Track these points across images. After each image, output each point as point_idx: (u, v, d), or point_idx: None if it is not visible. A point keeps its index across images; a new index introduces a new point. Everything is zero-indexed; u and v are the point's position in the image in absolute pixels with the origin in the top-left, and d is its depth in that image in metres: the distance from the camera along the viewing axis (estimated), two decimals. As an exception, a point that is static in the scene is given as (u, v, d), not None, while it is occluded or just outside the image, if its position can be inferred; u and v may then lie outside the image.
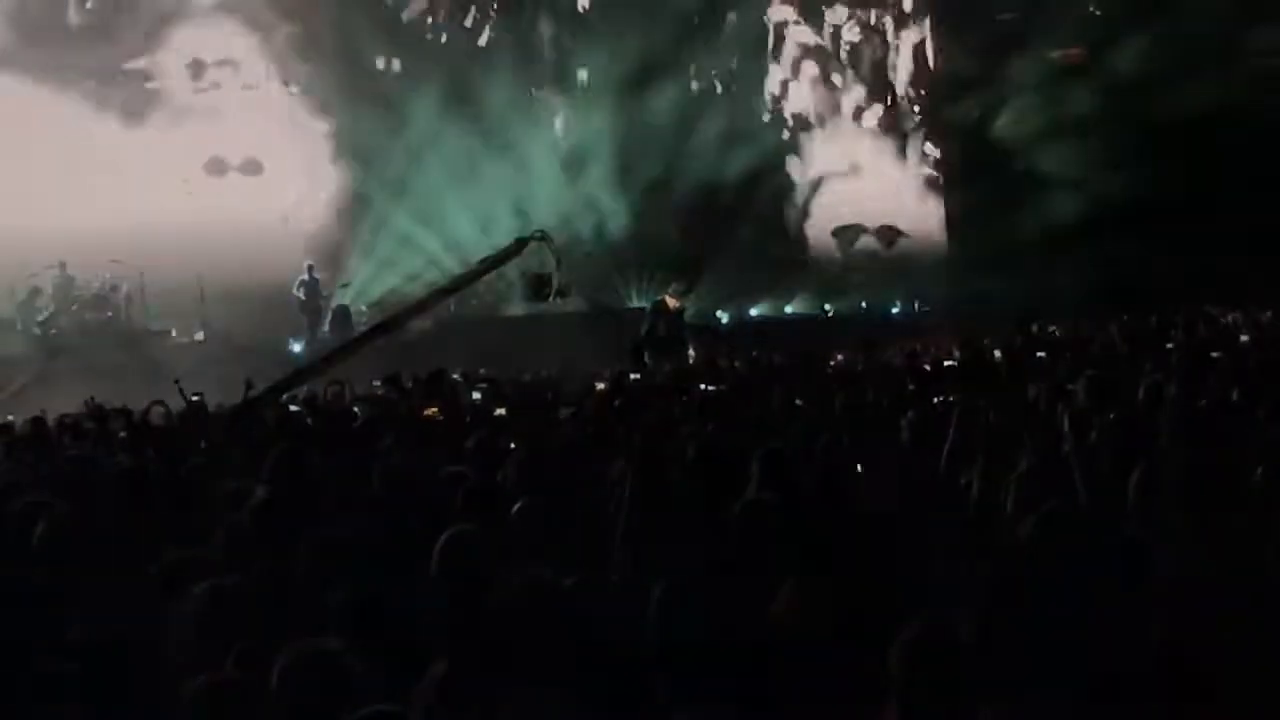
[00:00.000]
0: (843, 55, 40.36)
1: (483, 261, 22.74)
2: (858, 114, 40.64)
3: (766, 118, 40.04)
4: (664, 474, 9.15)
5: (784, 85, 40.50)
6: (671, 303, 25.42)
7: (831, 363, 21.15)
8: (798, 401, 14.94)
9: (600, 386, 19.82)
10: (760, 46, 39.44)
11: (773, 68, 39.96)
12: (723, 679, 5.52)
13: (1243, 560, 6.51)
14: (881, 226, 40.36)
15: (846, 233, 40.47)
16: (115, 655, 6.40)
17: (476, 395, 19.14)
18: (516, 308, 34.85)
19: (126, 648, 6.48)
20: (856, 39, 40.32)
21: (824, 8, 40.40)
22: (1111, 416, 10.56)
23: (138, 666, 6.36)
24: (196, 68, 37.60)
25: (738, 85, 39.34)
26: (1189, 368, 14.95)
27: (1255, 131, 34.46)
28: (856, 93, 40.21)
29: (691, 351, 24.68)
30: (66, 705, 6.02)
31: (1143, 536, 6.87)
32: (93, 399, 18.42)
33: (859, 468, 9.58)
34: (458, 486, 9.23)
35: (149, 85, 36.62)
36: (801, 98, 40.72)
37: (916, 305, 37.52)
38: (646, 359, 24.72)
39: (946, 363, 20.47)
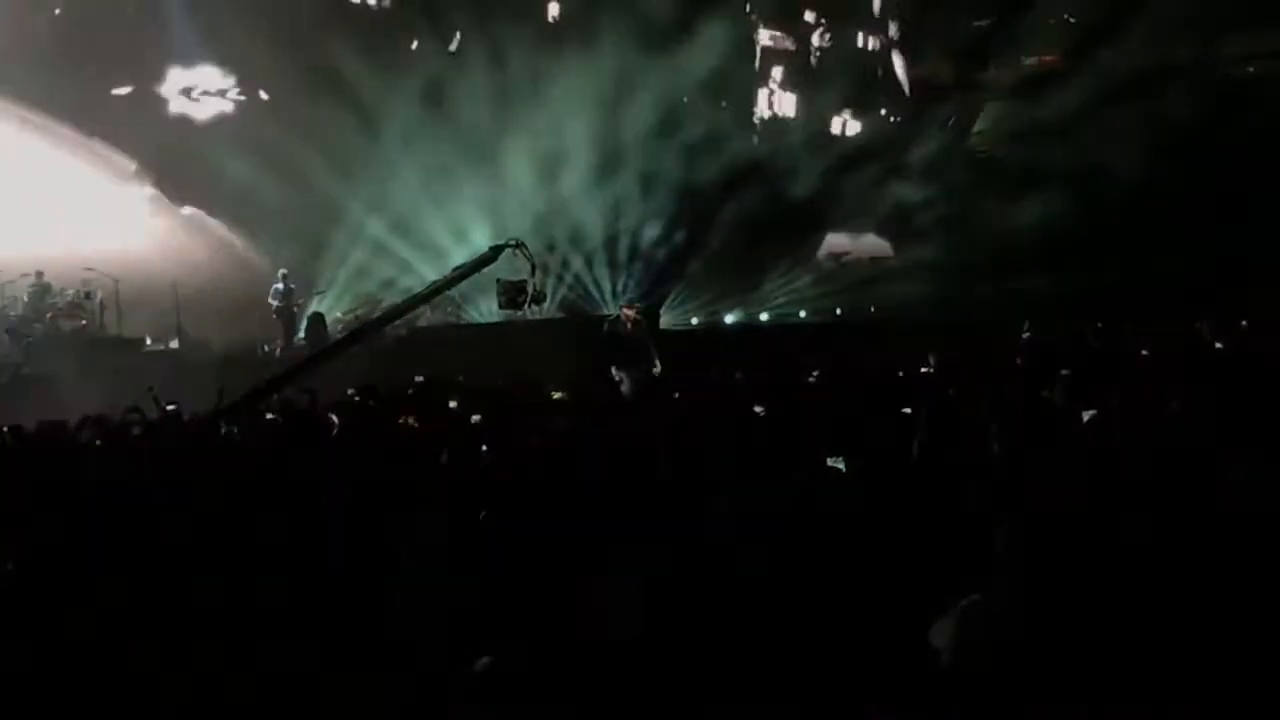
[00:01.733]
0: (813, 61, 40.34)
1: (457, 269, 22.73)
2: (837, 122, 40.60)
3: (743, 125, 39.97)
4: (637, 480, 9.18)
5: (760, 93, 40.52)
6: (629, 313, 25.38)
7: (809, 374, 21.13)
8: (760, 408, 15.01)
9: (557, 396, 19.81)
10: (736, 54, 39.35)
11: (749, 75, 39.94)
12: (704, 676, 5.54)
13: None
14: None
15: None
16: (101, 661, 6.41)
17: (453, 404, 19.13)
18: (492, 315, 34.94)
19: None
20: (829, 45, 40.25)
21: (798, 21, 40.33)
22: (1085, 418, 10.64)
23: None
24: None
25: (713, 93, 39.28)
26: (1158, 374, 15.05)
27: (1229, 140, 34.55)
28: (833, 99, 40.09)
29: (658, 364, 24.68)
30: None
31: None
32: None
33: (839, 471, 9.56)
34: (435, 493, 9.26)
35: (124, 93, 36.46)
36: (777, 104, 40.75)
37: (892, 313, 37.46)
38: (614, 372, 24.78)
39: (923, 369, 20.54)
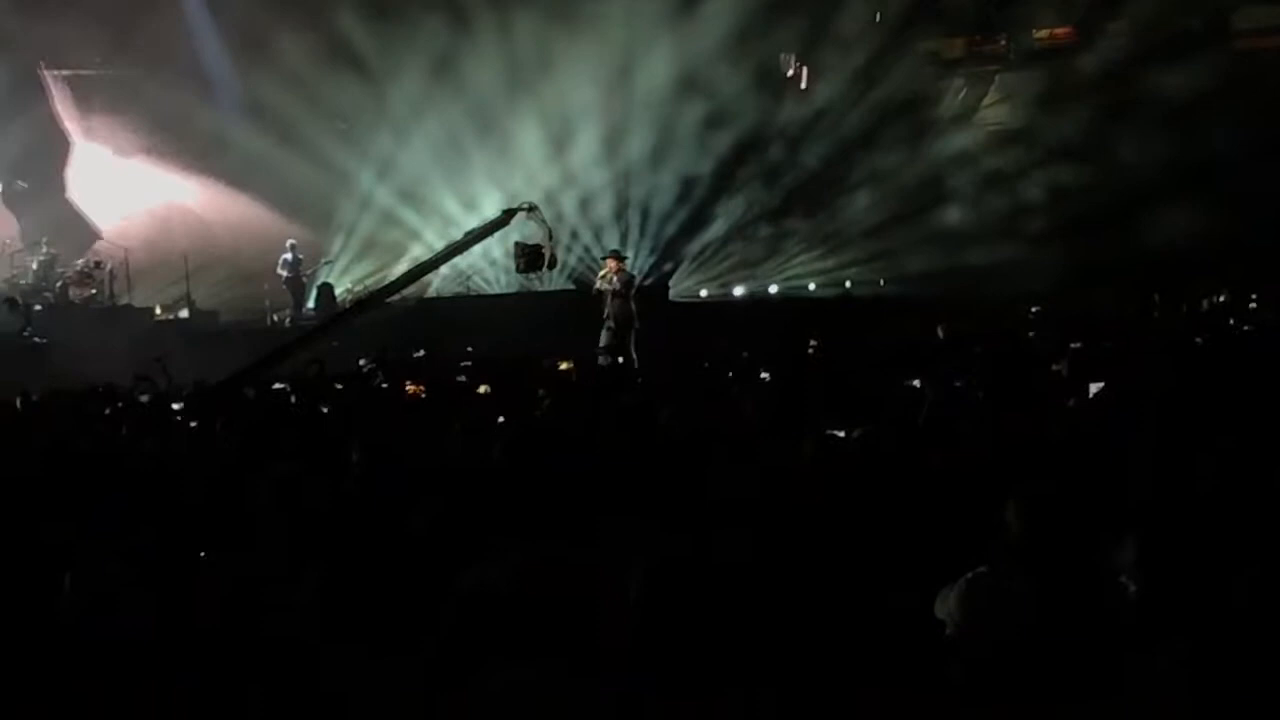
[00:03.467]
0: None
1: (470, 233, 22.64)
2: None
3: (757, 94, 39.57)
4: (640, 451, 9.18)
5: (779, 61, 40.18)
6: (610, 264, 25.37)
7: (812, 343, 21.11)
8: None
9: (564, 366, 19.77)
10: (753, 22, 38.88)
11: (766, 43, 39.50)
12: (704, 661, 5.53)
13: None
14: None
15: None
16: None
17: (462, 377, 19.11)
18: (501, 285, 34.99)
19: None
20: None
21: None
22: (1093, 392, 10.64)
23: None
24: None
25: (730, 61, 38.87)
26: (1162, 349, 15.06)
27: (1241, 113, 34.43)
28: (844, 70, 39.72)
29: (637, 321, 24.76)
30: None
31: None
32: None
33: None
34: (442, 464, 9.26)
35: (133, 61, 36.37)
36: (795, 73, 40.48)
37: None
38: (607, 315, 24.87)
39: (932, 341, 20.54)
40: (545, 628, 5.79)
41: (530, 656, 5.55)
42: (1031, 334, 20.75)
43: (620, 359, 23.53)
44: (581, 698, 5.45)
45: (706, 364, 18.35)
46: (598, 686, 5.47)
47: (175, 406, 15.92)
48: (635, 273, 28.26)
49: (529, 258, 21.96)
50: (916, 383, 12.54)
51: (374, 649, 6.10)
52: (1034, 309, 26.21)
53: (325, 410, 14.66)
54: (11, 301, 31.23)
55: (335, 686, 5.57)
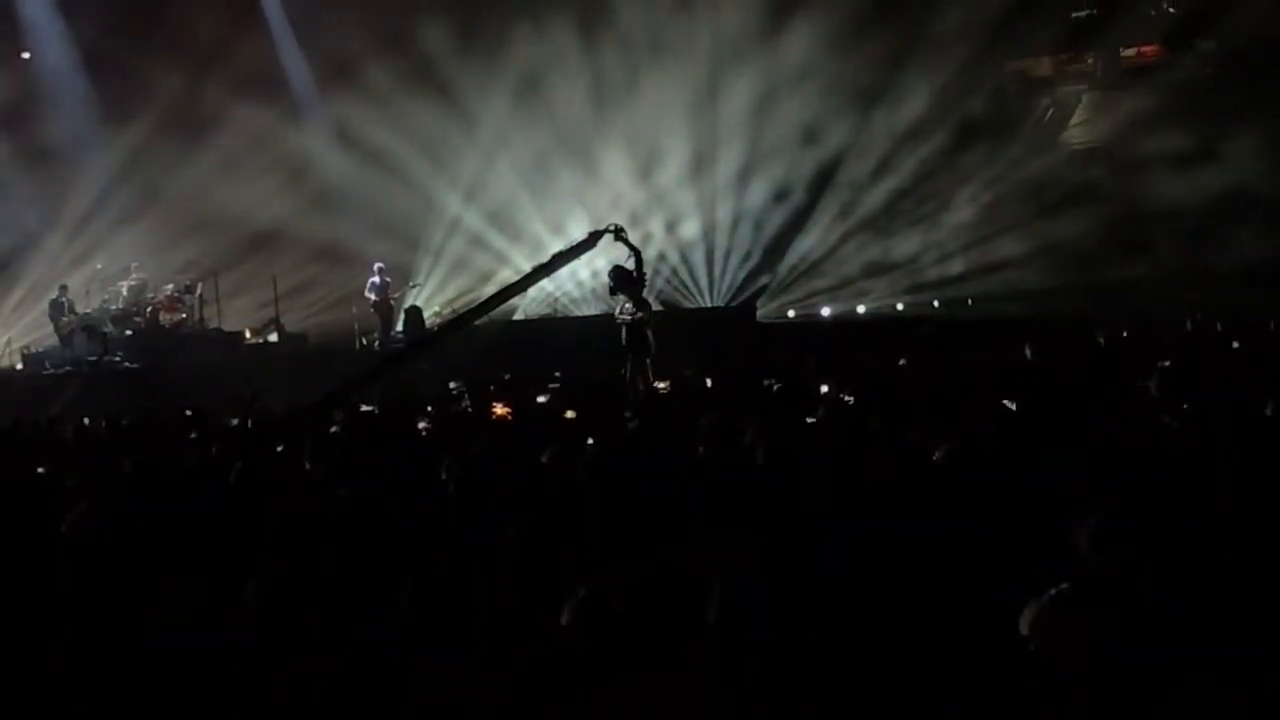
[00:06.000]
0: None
1: (556, 255, 22.64)
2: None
3: (842, 113, 39.34)
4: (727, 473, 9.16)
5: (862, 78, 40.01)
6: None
7: (900, 362, 21.05)
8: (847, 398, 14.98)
9: (660, 387, 19.77)
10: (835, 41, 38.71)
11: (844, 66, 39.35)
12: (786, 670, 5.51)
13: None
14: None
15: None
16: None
17: (542, 398, 19.10)
18: (588, 307, 34.99)
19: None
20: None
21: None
22: (1185, 409, 10.54)
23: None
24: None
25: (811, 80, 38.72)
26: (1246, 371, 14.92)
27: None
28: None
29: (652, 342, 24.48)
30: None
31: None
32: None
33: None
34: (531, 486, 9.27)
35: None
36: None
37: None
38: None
39: (1019, 360, 20.39)
40: (659, 638, 5.80)
41: (646, 667, 5.55)
42: (1119, 352, 20.59)
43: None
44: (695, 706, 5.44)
45: (793, 384, 18.27)
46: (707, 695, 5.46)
47: (263, 430, 16.02)
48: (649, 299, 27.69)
49: (621, 278, 21.97)
50: (1007, 402, 12.49)
51: (466, 664, 6.09)
52: (1124, 332, 26.01)
53: (418, 430, 14.71)
54: (90, 330, 31.58)
55: (429, 700, 5.57)
